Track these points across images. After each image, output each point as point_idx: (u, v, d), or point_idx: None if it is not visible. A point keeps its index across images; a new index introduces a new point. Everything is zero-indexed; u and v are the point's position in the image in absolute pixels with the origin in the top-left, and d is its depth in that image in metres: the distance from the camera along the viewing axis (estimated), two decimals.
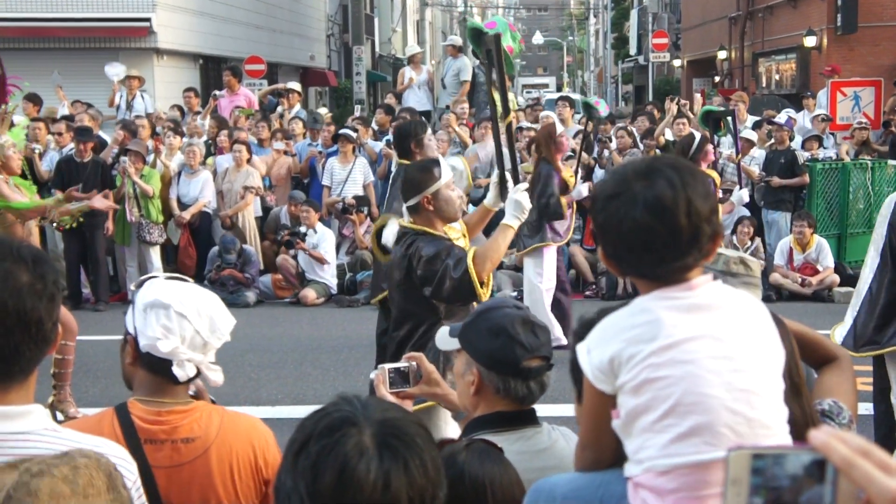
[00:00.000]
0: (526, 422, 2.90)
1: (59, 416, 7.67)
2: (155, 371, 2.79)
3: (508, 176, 5.43)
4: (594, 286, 13.10)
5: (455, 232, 5.26)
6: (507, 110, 5.45)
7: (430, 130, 8.55)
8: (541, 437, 2.90)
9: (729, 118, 10.30)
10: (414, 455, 1.70)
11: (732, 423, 2.18)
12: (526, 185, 5.26)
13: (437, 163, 5.25)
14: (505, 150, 5.57)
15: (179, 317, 2.76)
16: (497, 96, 5.52)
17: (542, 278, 9.79)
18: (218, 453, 2.78)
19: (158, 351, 2.74)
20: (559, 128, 10.71)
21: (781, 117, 15.72)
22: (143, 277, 2.96)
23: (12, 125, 8.73)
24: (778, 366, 2.30)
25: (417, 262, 4.92)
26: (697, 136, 9.52)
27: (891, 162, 6.54)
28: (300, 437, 1.72)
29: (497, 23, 5.75)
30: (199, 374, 2.83)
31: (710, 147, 9.33)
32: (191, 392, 2.92)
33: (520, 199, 5.12)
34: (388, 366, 3.10)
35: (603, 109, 12.24)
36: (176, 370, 2.76)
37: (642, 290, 2.30)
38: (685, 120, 14.39)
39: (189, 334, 2.76)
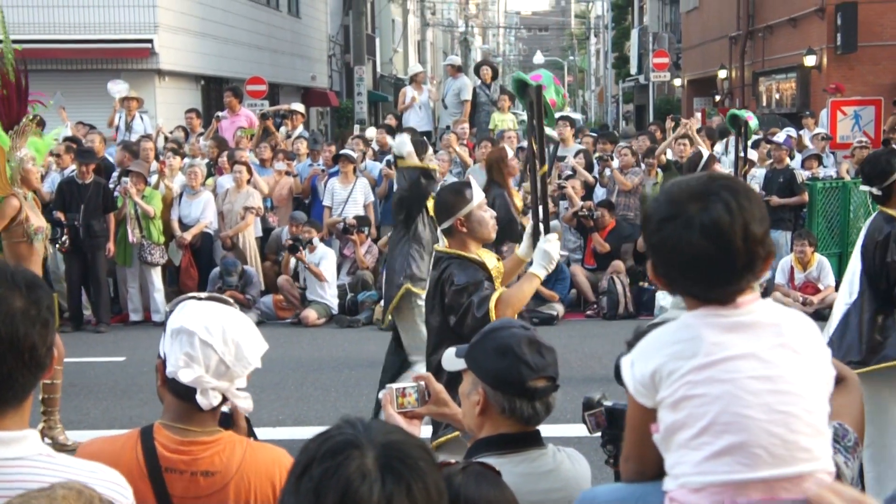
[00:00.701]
0: (530, 443, 2.89)
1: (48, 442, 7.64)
2: (181, 397, 2.77)
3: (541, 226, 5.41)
4: (595, 306, 13.09)
5: (491, 257, 5.24)
6: (542, 161, 5.49)
7: (430, 150, 8.57)
8: (546, 459, 2.89)
9: (750, 125, 10.22)
10: (417, 478, 1.69)
11: (768, 444, 2.17)
12: (555, 235, 5.26)
13: (468, 185, 5.26)
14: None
15: (204, 345, 2.72)
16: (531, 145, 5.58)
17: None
18: (236, 489, 2.76)
19: (181, 379, 2.72)
20: (509, 152, 10.83)
21: (780, 136, 15.74)
22: (180, 297, 2.92)
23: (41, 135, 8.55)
24: (825, 388, 2.29)
25: (448, 288, 4.94)
26: (705, 153, 9.53)
27: (863, 187, 6.65)
28: (303, 460, 1.72)
29: (542, 76, 5.78)
30: (225, 400, 2.81)
31: (717, 165, 9.34)
32: (225, 409, 2.89)
33: (549, 250, 5.13)
34: (395, 385, 3.09)
35: (553, 132, 12.33)
36: (199, 399, 2.73)
37: (690, 307, 2.30)
38: (687, 140, 14.41)
39: (213, 363, 2.73)
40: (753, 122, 10.36)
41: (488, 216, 5.15)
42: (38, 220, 7.67)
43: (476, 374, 2.89)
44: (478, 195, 5.14)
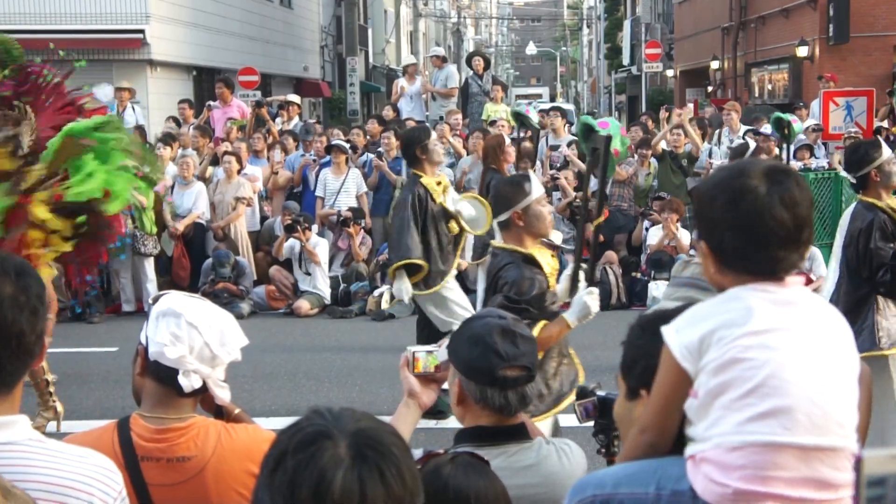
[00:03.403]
0: (510, 437, 2.87)
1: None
2: (161, 380, 2.79)
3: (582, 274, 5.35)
4: None
5: (545, 254, 5.16)
6: (600, 212, 5.43)
7: (434, 135, 8.53)
8: (526, 454, 2.87)
9: (794, 127, 10.27)
10: (390, 465, 1.69)
11: (811, 412, 2.25)
12: (596, 290, 5.16)
13: (527, 177, 5.16)
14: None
15: (189, 326, 2.76)
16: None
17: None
18: (214, 472, 2.77)
19: (165, 358, 2.74)
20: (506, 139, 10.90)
21: (767, 128, 15.75)
22: (160, 293, 2.97)
23: None
24: (854, 374, 2.37)
25: (500, 288, 4.89)
26: (752, 144, 9.51)
27: (843, 174, 6.87)
28: (275, 454, 1.72)
29: (610, 124, 5.70)
30: (205, 389, 2.83)
31: (763, 157, 9.36)
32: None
33: (588, 303, 5.04)
34: (414, 348, 3.07)
35: (534, 116, 12.45)
36: (181, 379, 2.75)
37: (733, 284, 2.37)
38: (681, 130, 14.43)
39: (198, 345, 2.77)
40: (798, 125, 10.40)
41: (546, 211, 5.06)
42: None
43: (453, 363, 2.90)
44: (537, 189, 5.02)
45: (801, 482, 2.24)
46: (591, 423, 3.06)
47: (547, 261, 5.09)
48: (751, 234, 2.32)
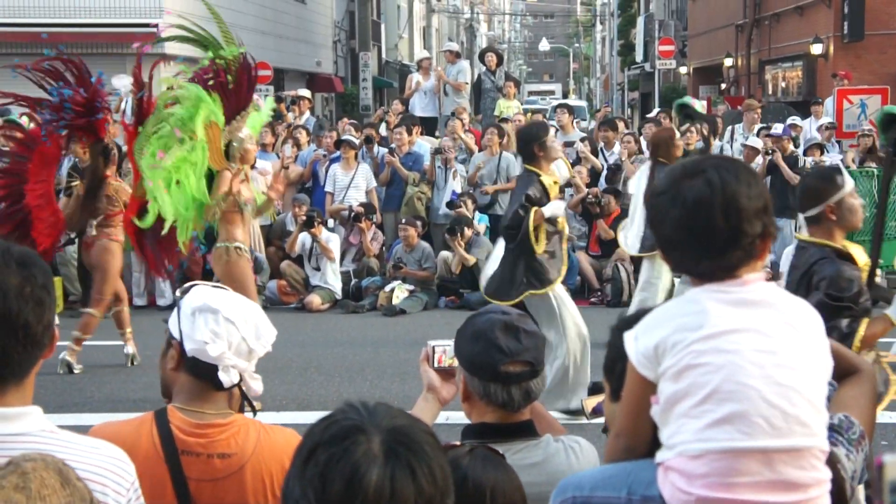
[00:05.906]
0: (516, 434, 2.84)
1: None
2: (199, 376, 2.79)
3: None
4: (599, 293, 13.07)
5: (860, 249, 5.03)
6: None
7: (552, 132, 8.42)
8: (531, 451, 2.84)
9: None
10: (422, 462, 1.69)
11: (769, 414, 2.21)
12: None
13: (838, 170, 5.06)
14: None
15: (227, 322, 2.77)
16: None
17: (661, 279, 9.83)
18: (253, 470, 2.79)
19: (206, 355, 2.75)
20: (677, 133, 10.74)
21: (777, 128, 15.69)
22: (188, 284, 2.97)
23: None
24: (823, 371, 2.34)
25: (818, 289, 4.74)
26: None
27: None
28: (308, 445, 1.72)
29: None
30: (241, 381, 2.84)
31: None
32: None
33: None
34: (434, 342, 3.06)
35: (700, 107, 12.14)
36: (222, 375, 2.77)
37: (694, 285, 2.36)
38: (694, 129, 14.39)
39: (236, 340, 2.78)
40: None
41: (858, 203, 4.93)
42: (248, 193, 8.55)
43: (458, 359, 2.89)
44: (849, 182, 4.92)
45: (767, 486, 2.22)
46: (601, 420, 3.06)
47: (859, 255, 4.94)
48: (685, 236, 2.30)
